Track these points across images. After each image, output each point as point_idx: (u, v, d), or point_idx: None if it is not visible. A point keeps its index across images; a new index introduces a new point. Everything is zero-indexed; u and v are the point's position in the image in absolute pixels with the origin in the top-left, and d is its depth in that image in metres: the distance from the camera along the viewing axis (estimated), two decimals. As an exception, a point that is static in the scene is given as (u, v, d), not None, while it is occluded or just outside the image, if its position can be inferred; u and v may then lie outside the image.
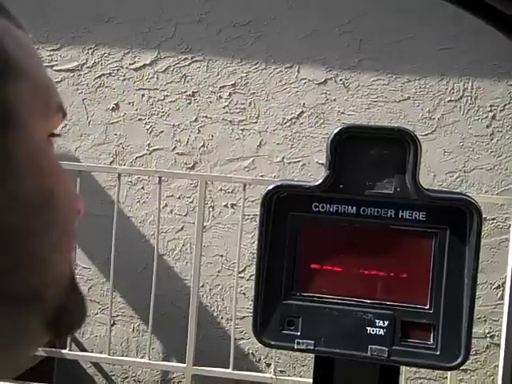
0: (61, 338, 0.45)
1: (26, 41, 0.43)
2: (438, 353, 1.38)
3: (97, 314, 3.79)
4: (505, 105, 3.44)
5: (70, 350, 3.32)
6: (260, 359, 3.65)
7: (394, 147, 1.41)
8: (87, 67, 3.82)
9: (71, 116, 3.81)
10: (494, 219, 3.40)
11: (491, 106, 3.45)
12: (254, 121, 3.66)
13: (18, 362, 0.42)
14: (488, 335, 3.44)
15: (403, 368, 2.80)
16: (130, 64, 3.78)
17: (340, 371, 1.46)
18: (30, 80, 0.41)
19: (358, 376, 1.46)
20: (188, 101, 3.72)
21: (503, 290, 3.27)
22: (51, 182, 0.42)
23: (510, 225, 2.93)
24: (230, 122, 3.68)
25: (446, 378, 3.16)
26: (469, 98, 3.47)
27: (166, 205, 3.68)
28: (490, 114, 3.46)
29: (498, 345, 3.05)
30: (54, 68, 3.84)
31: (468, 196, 1.42)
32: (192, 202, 3.66)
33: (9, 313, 0.39)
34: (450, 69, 3.47)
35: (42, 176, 0.41)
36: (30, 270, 0.39)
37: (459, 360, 1.38)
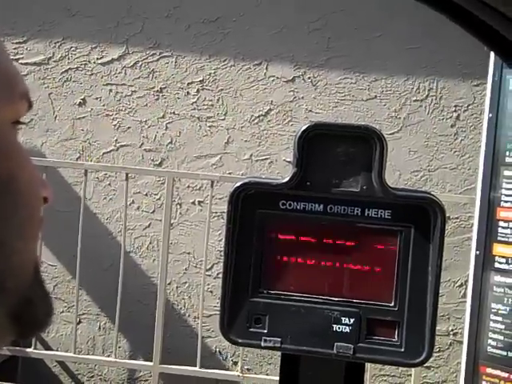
0: (26, 336, 0.44)
1: None
2: (403, 350, 1.40)
3: (62, 312, 3.75)
4: (468, 105, 3.50)
5: (34, 348, 3.28)
6: (227, 357, 3.66)
7: (361, 145, 1.42)
8: (54, 61, 3.77)
9: (37, 111, 3.76)
10: (457, 218, 3.46)
11: (455, 106, 3.51)
12: (222, 118, 3.66)
13: None
14: (451, 332, 3.49)
15: (368, 365, 2.83)
16: (97, 58, 3.74)
17: (306, 368, 1.47)
18: None
19: (324, 373, 1.47)
20: (156, 97, 3.70)
21: (466, 288, 3.32)
22: (12, 166, 0.41)
23: (472, 224, 2.98)
24: (198, 118, 3.67)
25: (410, 375, 3.21)
26: (434, 97, 3.52)
27: (133, 201, 3.66)
28: (455, 114, 3.51)
29: (461, 342, 3.11)
30: (20, 61, 3.77)
31: (432, 195, 1.44)
32: (159, 198, 3.64)
33: None
34: (417, 68, 3.51)
35: (4, 160, 0.40)
36: None
37: (423, 357, 1.40)
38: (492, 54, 2.69)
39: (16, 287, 0.41)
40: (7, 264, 0.40)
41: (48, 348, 3.74)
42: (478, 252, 2.67)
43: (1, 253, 0.39)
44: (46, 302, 0.45)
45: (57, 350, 3.70)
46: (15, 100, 0.42)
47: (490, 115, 2.72)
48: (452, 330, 3.49)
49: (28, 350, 3.24)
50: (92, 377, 3.78)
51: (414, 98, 3.53)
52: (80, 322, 3.67)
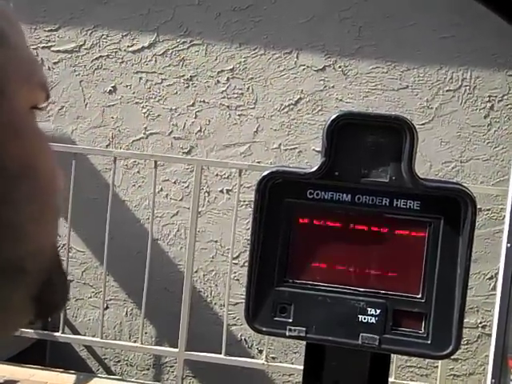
0: (41, 317, 0.45)
1: (8, 10, 0.42)
2: (429, 342, 1.38)
3: (90, 297, 3.79)
4: (503, 95, 3.43)
5: (62, 332, 3.33)
6: (252, 345, 3.67)
7: (391, 135, 1.40)
8: (85, 49, 3.79)
9: (68, 98, 3.79)
10: (488, 210, 3.41)
11: (489, 96, 3.44)
12: (252, 106, 3.65)
13: (4, 334, 0.42)
14: (479, 325, 3.45)
15: (394, 356, 2.80)
16: (128, 46, 3.75)
17: (331, 358, 1.46)
18: (11, 48, 0.40)
19: (349, 363, 1.46)
20: (186, 85, 3.70)
21: (496, 281, 3.27)
22: (33, 154, 0.42)
23: (504, 216, 2.93)
24: (228, 107, 3.67)
25: (437, 366, 3.18)
26: (467, 87, 3.46)
27: (162, 189, 3.68)
28: (488, 105, 3.45)
29: (489, 335, 3.07)
30: (52, 49, 3.81)
31: (463, 186, 1.42)
32: (187, 186, 3.65)
33: None
34: (450, 58, 3.46)
35: (22, 146, 0.40)
36: (7, 240, 0.39)
37: (450, 349, 1.38)
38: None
39: (35, 270, 0.42)
40: (25, 248, 0.41)
41: (76, 332, 3.79)
42: (509, 245, 2.63)
43: (18, 237, 0.40)
44: (63, 285, 0.46)
45: (84, 335, 3.75)
46: (33, 86, 0.43)
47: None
48: (480, 323, 3.44)
49: (56, 334, 3.29)
50: (118, 361, 3.82)
51: (447, 88, 3.48)
52: (107, 307, 3.71)
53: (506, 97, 3.43)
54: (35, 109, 0.43)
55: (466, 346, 3.40)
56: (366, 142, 1.41)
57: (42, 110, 0.44)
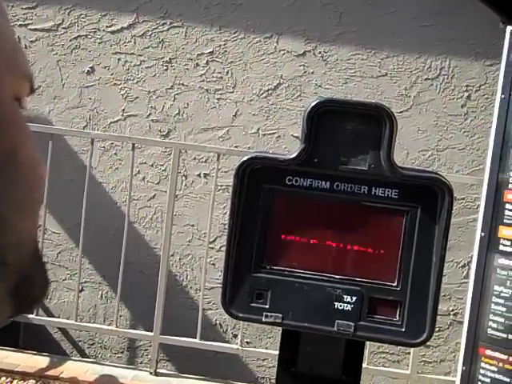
0: (21, 312, 0.44)
1: None
2: (404, 329, 1.39)
3: (65, 279, 3.77)
4: (480, 85, 3.45)
5: (36, 314, 3.30)
6: (227, 330, 3.68)
7: (370, 123, 1.40)
8: (63, 28, 3.74)
9: (45, 78, 3.73)
10: (463, 199, 3.44)
11: (467, 85, 3.47)
12: (231, 90, 3.63)
13: None
14: (451, 313, 3.50)
15: (367, 342, 2.83)
16: (107, 27, 3.70)
17: (306, 345, 1.47)
18: None
19: (324, 350, 1.47)
20: (165, 67, 3.67)
21: (468, 269, 3.32)
22: (15, 142, 0.41)
23: (478, 205, 2.96)
24: (207, 90, 3.64)
25: (409, 353, 3.22)
26: (445, 76, 3.48)
27: (139, 172, 3.65)
28: (466, 94, 3.47)
29: (461, 322, 3.11)
30: (29, 27, 3.74)
31: (441, 176, 1.43)
32: (165, 170, 3.63)
33: None
34: (429, 46, 3.47)
35: (5, 135, 0.40)
36: None
37: (424, 337, 1.40)
38: (507, 34, 2.65)
39: (16, 263, 0.41)
40: (7, 240, 0.40)
41: (50, 314, 3.76)
42: (483, 234, 2.66)
43: (1, 227, 0.39)
44: (43, 279, 0.46)
45: (58, 317, 3.73)
46: (18, 77, 0.42)
47: (503, 96, 2.68)
48: (452, 310, 3.49)
49: (30, 316, 3.27)
50: (93, 344, 3.81)
51: (425, 77, 3.49)
52: (82, 289, 3.69)
53: (483, 87, 3.45)
54: (19, 100, 0.42)
55: (437, 333, 3.45)
56: (346, 130, 1.42)
57: (24, 104, 0.43)
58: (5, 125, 0.40)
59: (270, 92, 3.60)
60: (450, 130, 3.49)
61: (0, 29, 0.40)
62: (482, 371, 2.60)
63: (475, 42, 3.41)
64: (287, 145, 3.55)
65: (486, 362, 2.61)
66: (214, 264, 3.55)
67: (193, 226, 3.66)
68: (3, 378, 2.89)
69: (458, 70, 3.46)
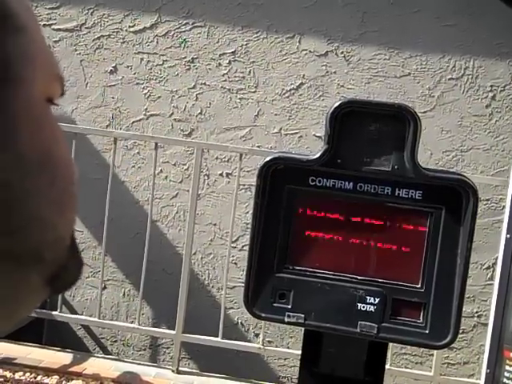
0: (58, 293, 0.46)
1: None
2: (427, 331, 1.38)
3: (88, 277, 3.80)
4: (505, 85, 3.42)
5: (60, 311, 3.34)
6: (249, 329, 3.68)
7: (394, 124, 1.40)
8: (86, 28, 3.77)
9: (69, 77, 3.77)
10: (488, 200, 3.41)
11: (492, 86, 3.43)
12: (253, 90, 3.63)
13: (17, 320, 0.43)
14: (475, 315, 3.46)
15: (390, 344, 2.81)
16: (129, 26, 3.72)
17: (329, 345, 1.46)
18: (29, 35, 0.40)
19: (346, 351, 1.47)
20: (187, 67, 3.68)
21: (493, 271, 3.28)
22: (50, 142, 0.42)
23: (503, 206, 2.93)
24: (229, 90, 3.65)
25: (432, 354, 3.19)
26: (470, 76, 3.45)
27: (162, 171, 3.67)
28: (490, 94, 3.43)
29: (486, 324, 3.08)
30: (53, 27, 3.78)
31: (465, 177, 1.42)
32: (187, 169, 3.64)
33: (9, 272, 0.39)
34: (453, 46, 3.44)
35: (41, 134, 0.41)
36: (29, 230, 0.39)
37: (448, 339, 1.39)
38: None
39: (53, 258, 0.42)
40: (45, 238, 0.41)
41: (73, 312, 3.80)
42: (508, 235, 2.63)
43: (38, 226, 0.40)
44: (78, 267, 0.47)
45: (81, 314, 3.76)
46: (50, 77, 0.43)
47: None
48: (476, 312, 3.46)
49: (54, 312, 3.30)
50: (115, 341, 3.84)
51: (449, 77, 3.46)
52: (105, 287, 3.72)
53: (508, 87, 3.42)
54: (50, 102, 0.43)
55: (461, 335, 3.41)
56: (369, 130, 1.41)
57: (57, 105, 0.44)
58: (40, 125, 0.41)
59: (292, 92, 3.59)
60: (475, 130, 3.46)
61: (33, 28, 0.41)
62: (506, 374, 2.57)
63: (500, 42, 3.38)
64: (309, 144, 3.54)
65: (510, 365, 2.59)
66: (235, 263, 3.56)
67: (215, 225, 3.67)
68: (27, 374, 2.93)
69: (483, 70, 3.43)
